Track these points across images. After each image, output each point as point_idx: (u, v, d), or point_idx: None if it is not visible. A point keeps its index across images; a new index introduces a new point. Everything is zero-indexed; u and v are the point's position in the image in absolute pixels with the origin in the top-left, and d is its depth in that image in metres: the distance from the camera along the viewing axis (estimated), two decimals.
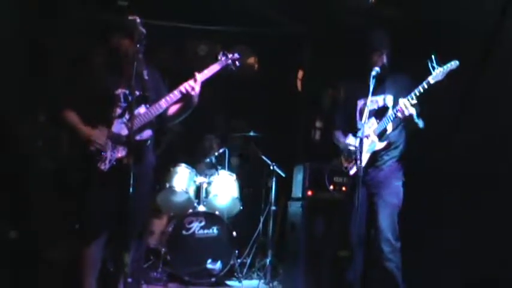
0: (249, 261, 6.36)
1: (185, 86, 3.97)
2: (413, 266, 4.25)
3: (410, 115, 4.09)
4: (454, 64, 4.03)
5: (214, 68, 4.09)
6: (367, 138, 4.27)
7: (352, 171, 4.40)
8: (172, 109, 4.11)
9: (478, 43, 4.65)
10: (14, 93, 4.91)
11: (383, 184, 4.30)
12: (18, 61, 4.89)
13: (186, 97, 4.00)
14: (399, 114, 4.11)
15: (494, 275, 4.32)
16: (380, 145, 4.29)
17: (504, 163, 4.39)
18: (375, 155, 4.32)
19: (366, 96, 4.18)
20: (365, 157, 4.25)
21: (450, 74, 4.03)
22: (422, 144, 4.57)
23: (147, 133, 3.96)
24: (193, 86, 3.96)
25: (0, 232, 4.69)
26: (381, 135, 4.30)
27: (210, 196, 6.08)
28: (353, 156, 4.37)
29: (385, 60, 4.33)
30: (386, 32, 4.48)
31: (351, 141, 4.43)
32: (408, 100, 4.06)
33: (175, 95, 3.97)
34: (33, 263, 4.61)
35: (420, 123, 4.16)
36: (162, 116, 4.07)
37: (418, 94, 4.04)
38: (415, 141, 4.42)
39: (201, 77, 4.01)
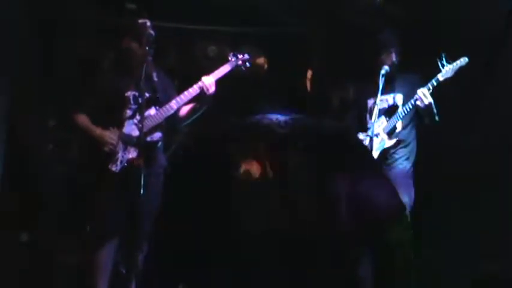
0: None
1: (204, 83, 3.97)
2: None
3: (430, 104, 4.09)
4: (463, 61, 4.03)
5: (224, 69, 4.10)
6: (377, 136, 4.27)
7: None
8: (184, 109, 4.11)
9: (487, 42, 4.64)
10: (24, 96, 4.93)
11: (394, 182, 4.28)
12: (27, 64, 4.90)
13: (199, 97, 4.00)
14: (419, 103, 4.10)
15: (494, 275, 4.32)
16: (389, 143, 4.28)
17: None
18: (385, 154, 4.31)
19: (375, 95, 4.18)
20: (374, 155, 4.24)
21: (459, 72, 4.03)
22: (430, 144, 4.56)
23: (158, 135, 3.97)
24: (210, 84, 3.97)
25: (12, 234, 4.71)
26: (391, 133, 4.29)
27: None
28: None
29: (394, 59, 4.33)
30: (394, 31, 4.47)
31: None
32: (428, 89, 4.06)
33: (190, 93, 3.97)
34: (44, 266, 4.62)
35: (437, 117, 4.16)
36: (174, 117, 4.07)
37: (435, 84, 4.04)
38: (424, 140, 4.42)
39: (214, 76, 4.01)
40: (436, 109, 4.17)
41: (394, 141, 4.27)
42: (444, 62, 4.01)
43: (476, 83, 4.67)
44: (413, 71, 4.39)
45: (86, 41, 5.34)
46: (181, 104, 3.98)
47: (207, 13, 6.01)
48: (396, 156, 4.32)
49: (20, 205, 4.75)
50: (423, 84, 4.12)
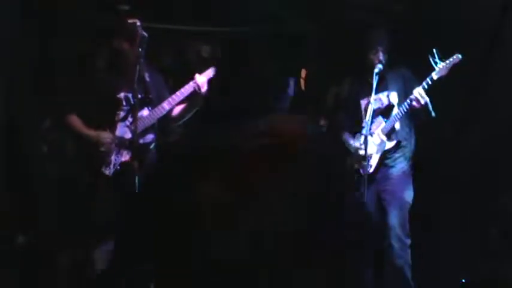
0: None
1: (196, 82, 3.95)
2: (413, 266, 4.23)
3: (426, 103, 4.06)
4: (456, 58, 4.00)
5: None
6: (372, 135, 4.25)
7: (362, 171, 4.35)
8: (177, 109, 4.09)
9: (480, 41, 4.63)
10: (17, 98, 4.91)
11: (393, 181, 4.26)
12: (19, 65, 4.89)
13: (192, 96, 3.98)
14: (414, 103, 4.07)
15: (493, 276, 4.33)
16: (390, 144, 4.25)
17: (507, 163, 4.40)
18: (385, 154, 4.28)
19: (368, 94, 4.17)
20: (376, 158, 4.23)
21: (454, 70, 4.01)
22: (426, 144, 4.55)
23: (150, 136, 3.96)
24: (203, 83, 3.95)
25: (9, 236, 4.70)
26: (390, 134, 4.27)
27: None
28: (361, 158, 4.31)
29: (381, 57, 4.28)
30: (381, 29, 4.46)
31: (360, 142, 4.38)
32: (423, 88, 4.03)
33: (183, 92, 3.96)
34: (40, 267, 4.61)
35: (433, 113, 4.14)
36: (167, 117, 4.05)
37: (430, 83, 4.02)
38: (421, 140, 4.41)
39: (206, 75, 4.00)
40: (432, 105, 4.16)
41: (394, 142, 4.25)
42: (436, 59, 3.98)
43: (474, 81, 4.67)
44: (404, 66, 4.37)
45: (77, 42, 5.32)
46: (173, 104, 3.97)
47: (201, 13, 6.00)
48: (396, 155, 4.30)
49: (16, 206, 4.74)
50: (415, 79, 4.10)
